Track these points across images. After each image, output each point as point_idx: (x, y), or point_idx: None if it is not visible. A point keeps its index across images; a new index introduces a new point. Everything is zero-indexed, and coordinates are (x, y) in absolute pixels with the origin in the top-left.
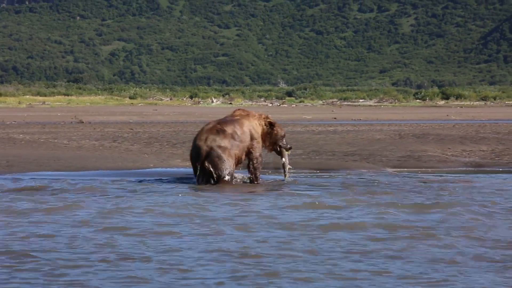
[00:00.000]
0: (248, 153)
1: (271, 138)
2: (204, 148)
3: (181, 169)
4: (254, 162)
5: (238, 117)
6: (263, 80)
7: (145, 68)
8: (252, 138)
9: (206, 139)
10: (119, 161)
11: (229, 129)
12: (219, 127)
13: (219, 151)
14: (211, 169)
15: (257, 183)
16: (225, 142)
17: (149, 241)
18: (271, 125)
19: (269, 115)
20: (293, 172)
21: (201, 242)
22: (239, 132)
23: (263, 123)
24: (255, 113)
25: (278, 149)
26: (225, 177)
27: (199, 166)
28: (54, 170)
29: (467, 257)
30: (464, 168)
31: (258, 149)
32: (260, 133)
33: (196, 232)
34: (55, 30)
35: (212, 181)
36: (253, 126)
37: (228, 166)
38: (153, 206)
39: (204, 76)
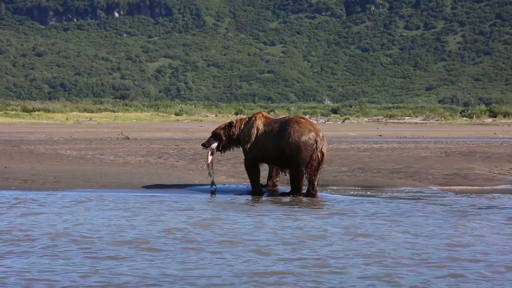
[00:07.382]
0: None
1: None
2: (321, 139)
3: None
4: None
5: None
6: (308, 97)
7: (191, 85)
8: None
9: (319, 132)
10: (164, 177)
11: None
12: None
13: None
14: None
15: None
16: None
17: None
18: None
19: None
20: (337, 189)
21: None
22: None
23: None
24: None
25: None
26: None
27: (318, 154)
28: (101, 186)
29: None
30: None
31: None
32: None
33: None
34: (102, 47)
35: (316, 168)
36: None
37: None
38: None
39: (250, 92)
